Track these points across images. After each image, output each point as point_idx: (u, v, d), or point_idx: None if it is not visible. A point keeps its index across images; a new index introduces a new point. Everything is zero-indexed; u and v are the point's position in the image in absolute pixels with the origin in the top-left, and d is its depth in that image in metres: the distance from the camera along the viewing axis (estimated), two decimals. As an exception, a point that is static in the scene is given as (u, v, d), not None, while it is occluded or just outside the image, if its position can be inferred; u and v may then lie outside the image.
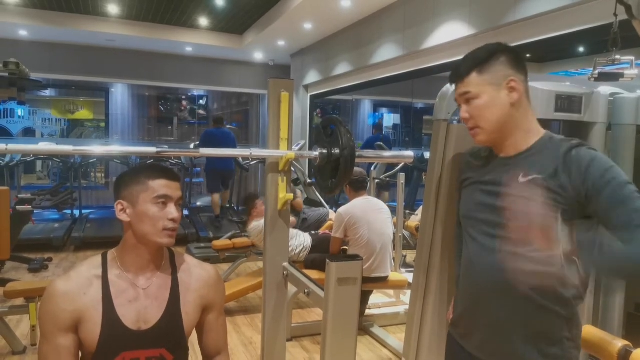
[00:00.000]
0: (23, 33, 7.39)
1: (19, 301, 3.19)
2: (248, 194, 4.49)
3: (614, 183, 1.07)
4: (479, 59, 1.20)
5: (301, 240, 3.85)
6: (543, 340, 1.16)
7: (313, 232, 4.11)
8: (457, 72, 1.22)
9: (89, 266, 1.28)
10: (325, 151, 1.56)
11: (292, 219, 3.93)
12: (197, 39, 7.71)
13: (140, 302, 1.26)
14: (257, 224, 3.93)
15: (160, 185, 1.26)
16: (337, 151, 1.51)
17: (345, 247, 3.60)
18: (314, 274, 3.18)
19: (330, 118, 1.60)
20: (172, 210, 1.26)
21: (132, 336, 1.24)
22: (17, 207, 4.35)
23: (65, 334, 1.21)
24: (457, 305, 1.36)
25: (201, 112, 10.67)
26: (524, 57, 1.23)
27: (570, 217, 1.11)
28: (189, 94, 10.68)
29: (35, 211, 4.88)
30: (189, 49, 8.29)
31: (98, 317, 1.22)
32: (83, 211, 7.28)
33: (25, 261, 5.00)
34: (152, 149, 1.46)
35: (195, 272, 1.37)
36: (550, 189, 1.11)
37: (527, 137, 1.20)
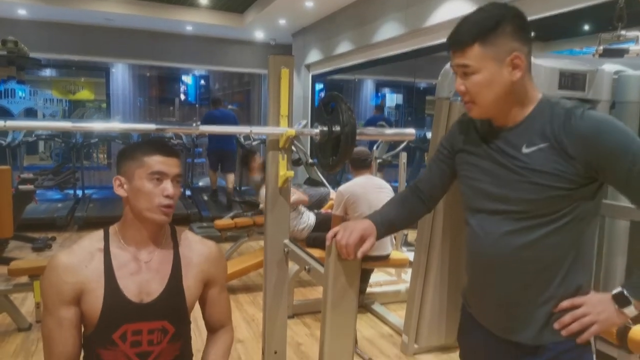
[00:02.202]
0: (22, 12, 7.31)
1: (24, 279, 3.22)
2: (245, 151, 4.42)
3: (629, 154, 1.02)
4: (484, 28, 1.08)
5: (306, 218, 3.89)
6: (549, 304, 1.14)
7: (315, 211, 4.13)
8: (457, 39, 1.12)
9: (91, 240, 1.29)
10: (325, 128, 1.55)
11: (305, 197, 3.92)
12: (197, 18, 7.62)
13: (142, 275, 1.27)
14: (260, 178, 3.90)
15: (155, 161, 1.24)
16: (338, 128, 1.49)
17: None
18: (316, 252, 3.19)
19: (331, 95, 1.58)
20: (168, 187, 1.25)
21: (135, 308, 1.25)
22: (19, 186, 4.37)
23: (67, 307, 1.22)
24: (467, 276, 1.32)
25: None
26: (529, 24, 1.12)
27: (577, 186, 1.07)
28: (190, 74, 10.62)
29: (37, 191, 4.89)
30: (189, 28, 8.21)
31: (100, 289, 1.23)
32: (85, 191, 7.31)
33: (29, 240, 5.04)
34: (151, 126, 1.45)
35: (197, 247, 1.38)
36: (556, 158, 1.06)
37: (526, 107, 1.13)
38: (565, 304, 1.12)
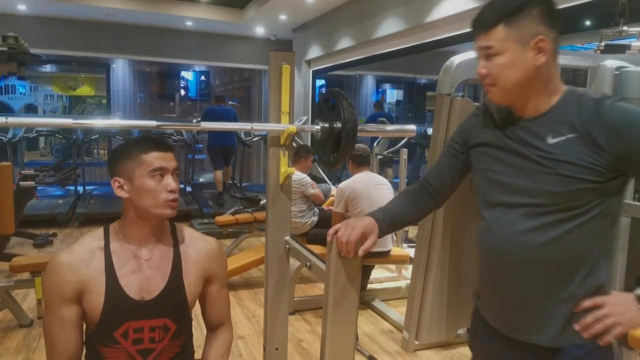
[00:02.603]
0: (22, 7, 7.29)
1: (25, 275, 3.23)
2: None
3: None
4: (509, 9, 1.05)
5: (312, 214, 3.96)
6: (569, 304, 1.10)
7: (317, 208, 4.15)
8: (481, 21, 1.10)
9: (92, 238, 1.29)
10: (326, 125, 1.55)
11: (320, 193, 3.96)
12: (197, 13, 7.61)
13: (142, 273, 1.27)
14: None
15: (154, 158, 1.24)
16: (339, 125, 1.49)
17: (347, 223, 3.61)
18: (317, 248, 3.20)
19: (331, 91, 1.58)
20: (170, 182, 1.26)
21: (136, 306, 1.25)
22: (20, 183, 4.37)
23: (68, 305, 1.22)
24: (480, 273, 1.27)
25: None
26: (558, 10, 1.10)
27: (604, 179, 1.04)
28: (191, 70, 10.59)
29: (39, 187, 4.89)
30: (189, 24, 8.18)
31: (101, 288, 1.23)
32: (86, 187, 7.31)
33: (30, 237, 5.05)
34: (152, 123, 1.45)
35: (197, 244, 1.38)
36: (585, 149, 1.03)
37: (551, 97, 1.10)
38: (587, 303, 1.08)
